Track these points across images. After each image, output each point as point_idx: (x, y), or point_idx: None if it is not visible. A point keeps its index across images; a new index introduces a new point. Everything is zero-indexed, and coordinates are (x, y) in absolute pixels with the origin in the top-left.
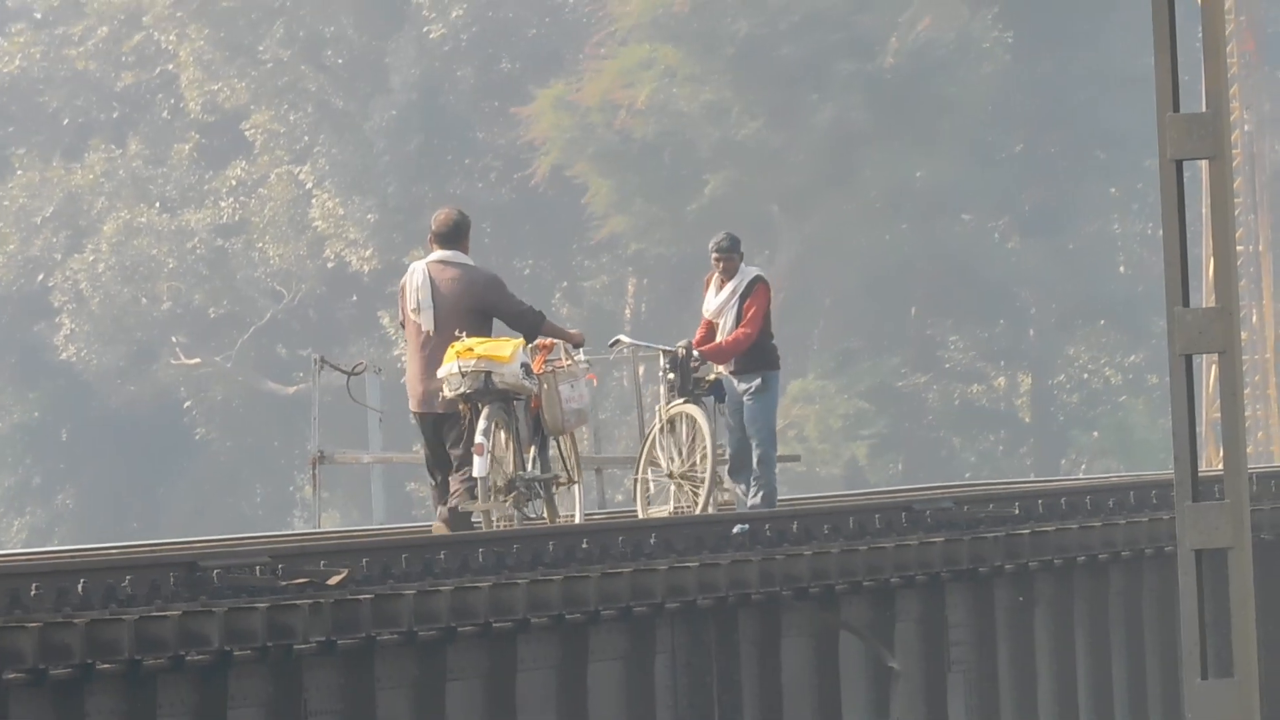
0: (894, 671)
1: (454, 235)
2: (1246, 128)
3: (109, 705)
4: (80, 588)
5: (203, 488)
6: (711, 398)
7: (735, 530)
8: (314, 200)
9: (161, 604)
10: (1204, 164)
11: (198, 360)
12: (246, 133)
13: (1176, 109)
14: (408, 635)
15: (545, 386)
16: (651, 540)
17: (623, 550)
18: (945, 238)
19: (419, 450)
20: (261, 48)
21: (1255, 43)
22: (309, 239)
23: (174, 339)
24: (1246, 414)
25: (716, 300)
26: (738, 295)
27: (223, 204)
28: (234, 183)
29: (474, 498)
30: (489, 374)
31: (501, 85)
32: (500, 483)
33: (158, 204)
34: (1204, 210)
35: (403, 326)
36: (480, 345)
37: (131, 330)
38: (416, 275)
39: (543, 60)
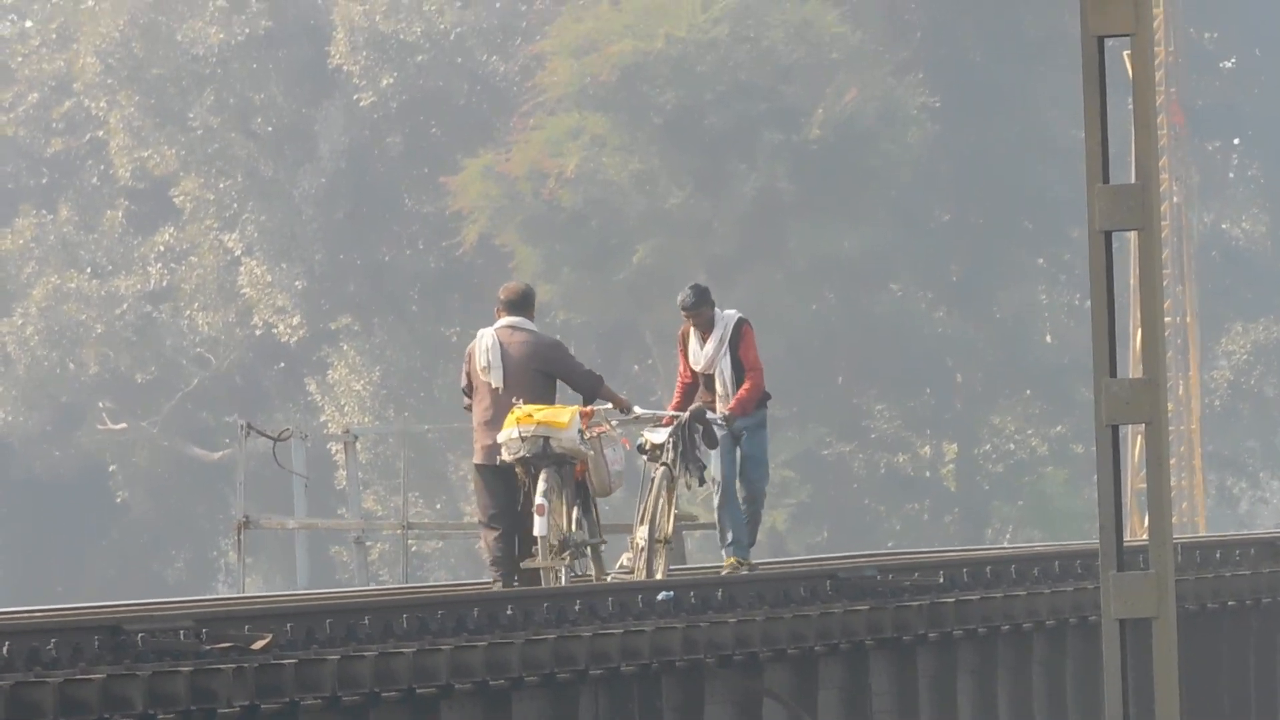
0: None
1: (521, 304)
2: (1175, 199)
3: None
4: (4, 650)
5: (126, 552)
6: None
7: (660, 596)
8: (242, 267)
9: (85, 667)
10: (1132, 235)
11: (124, 425)
12: (175, 199)
13: (1106, 180)
14: (331, 700)
15: (592, 451)
16: (576, 607)
17: (546, 616)
18: (872, 307)
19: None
20: (191, 115)
21: (1184, 115)
22: (237, 306)
23: (100, 404)
24: (1171, 484)
25: (706, 352)
26: (726, 343)
27: (151, 270)
28: (162, 249)
29: (532, 555)
30: (547, 439)
31: (430, 153)
32: (554, 542)
33: (88, 269)
34: (1132, 281)
35: (465, 393)
36: (539, 412)
37: (57, 395)
38: (486, 339)
39: (471, 129)
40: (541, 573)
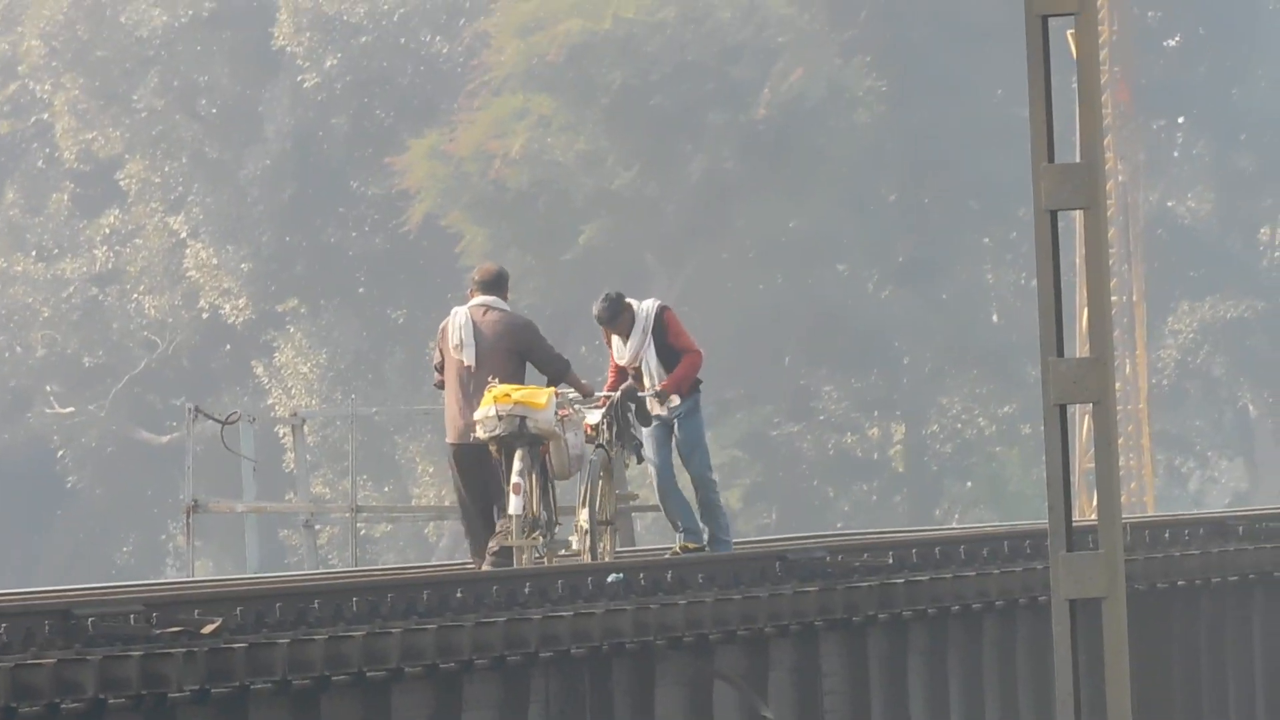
0: None
1: (495, 284)
2: (1121, 178)
3: None
4: None
5: (76, 536)
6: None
7: (610, 579)
8: (188, 250)
9: (36, 652)
10: (1078, 214)
11: (71, 409)
12: (121, 182)
13: (1051, 159)
14: (281, 684)
15: (557, 434)
16: (526, 589)
17: (496, 599)
18: (819, 287)
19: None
20: (136, 97)
21: (1129, 93)
22: (183, 289)
23: (48, 388)
24: (1120, 464)
25: (630, 346)
26: (649, 333)
27: (97, 253)
28: (108, 231)
29: (506, 534)
30: (524, 419)
31: (376, 134)
32: (526, 521)
33: (33, 252)
34: (1078, 260)
35: (437, 370)
36: (518, 392)
37: (5, 378)
38: (459, 316)
39: (417, 110)
40: (514, 551)
